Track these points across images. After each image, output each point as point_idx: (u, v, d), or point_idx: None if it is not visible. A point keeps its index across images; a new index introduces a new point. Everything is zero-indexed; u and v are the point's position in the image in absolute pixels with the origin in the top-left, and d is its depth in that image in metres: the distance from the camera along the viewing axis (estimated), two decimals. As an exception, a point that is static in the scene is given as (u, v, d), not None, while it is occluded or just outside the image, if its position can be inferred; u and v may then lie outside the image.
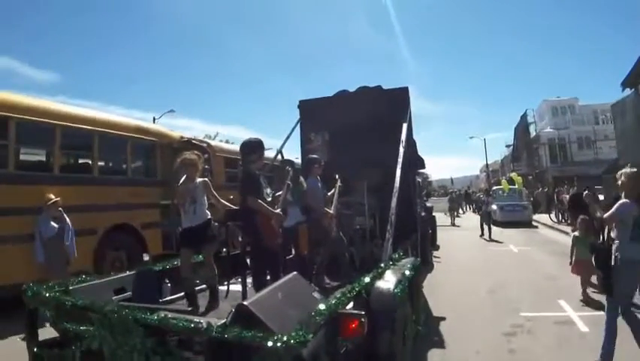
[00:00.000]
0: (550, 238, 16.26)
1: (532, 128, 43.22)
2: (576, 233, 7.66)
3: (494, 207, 20.67)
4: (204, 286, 4.69)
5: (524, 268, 10.21)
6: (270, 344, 2.13)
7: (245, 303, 2.67)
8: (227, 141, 39.01)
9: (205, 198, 4.55)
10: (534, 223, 21.43)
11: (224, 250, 5.66)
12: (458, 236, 17.76)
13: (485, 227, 16.91)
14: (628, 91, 18.34)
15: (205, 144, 11.31)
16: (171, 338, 2.58)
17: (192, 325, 2.45)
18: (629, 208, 4.28)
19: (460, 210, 27.59)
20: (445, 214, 24.03)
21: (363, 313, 2.88)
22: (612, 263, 4.36)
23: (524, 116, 42.99)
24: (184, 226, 4.50)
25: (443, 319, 6.18)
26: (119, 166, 9.38)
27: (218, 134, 46.31)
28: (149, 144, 9.73)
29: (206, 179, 4.67)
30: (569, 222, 18.56)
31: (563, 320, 6.17)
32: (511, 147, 48.88)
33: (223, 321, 2.57)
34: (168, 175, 9.15)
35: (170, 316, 2.76)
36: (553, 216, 21.73)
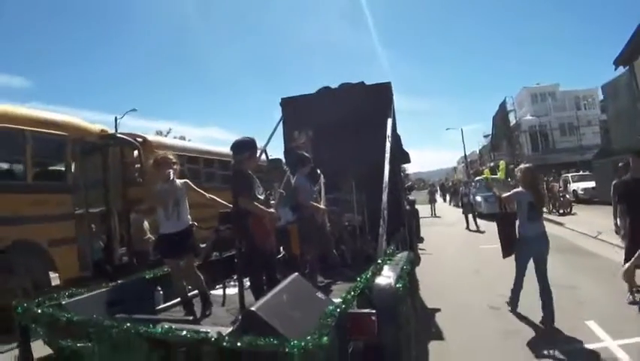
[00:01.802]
0: (549, 232, 14.26)
1: (511, 117, 42.05)
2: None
3: (478, 198, 20.42)
4: (196, 292, 4.52)
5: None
6: (287, 350, 2.06)
7: (252, 309, 2.59)
8: (183, 138, 38.73)
9: (187, 200, 4.36)
10: None
11: (216, 253, 5.59)
12: (444, 234, 16.02)
13: (470, 219, 17.03)
14: (621, 70, 17.74)
15: (140, 139, 10.10)
16: (178, 350, 2.49)
17: (201, 336, 2.35)
18: (522, 195, 5.69)
19: (435, 198, 28.12)
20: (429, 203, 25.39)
21: (374, 311, 2.84)
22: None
23: (503, 104, 41.56)
24: (166, 232, 4.28)
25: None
26: (15, 169, 7.51)
27: (171, 130, 45.11)
28: (57, 140, 7.75)
29: (187, 180, 4.47)
30: (560, 212, 18.61)
31: (600, 351, 4.63)
32: (490, 136, 47.86)
33: (231, 329, 2.49)
34: (84, 178, 8.26)
35: (174, 327, 2.65)
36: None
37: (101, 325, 2.72)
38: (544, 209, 19.42)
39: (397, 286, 3.50)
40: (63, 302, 3.49)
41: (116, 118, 33.64)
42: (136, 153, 9.54)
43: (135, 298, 3.96)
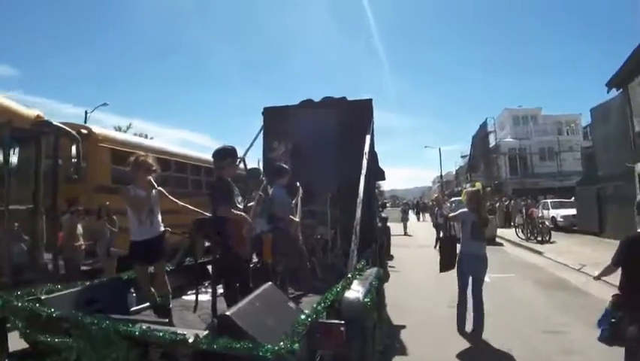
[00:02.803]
0: (527, 261, 13.70)
1: (491, 138, 41.87)
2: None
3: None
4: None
5: (507, 312, 7.11)
6: (260, 354, 2.20)
7: (228, 313, 2.73)
8: (145, 136, 35.71)
9: (159, 208, 4.28)
10: (498, 240, 18.79)
11: (189, 259, 5.65)
12: (414, 256, 14.46)
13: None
14: (613, 93, 17.02)
15: (85, 131, 9.38)
16: (155, 350, 2.61)
17: (179, 337, 2.48)
18: (467, 215, 6.15)
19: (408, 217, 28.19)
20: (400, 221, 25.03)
21: (342, 322, 3.00)
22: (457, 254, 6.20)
23: (484, 125, 41.59)
24: (137, 239, 4.16)
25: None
26: None
27: (131, 126, 41.24)
28: None
29: (161, 188, 4.33)
30: (539, 239, 17.29)
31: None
32: (468, 157, 47.56)
33: (206, 333, 2.62)
34: (9, 169, 7.30)
35: (152, 328, 2.76)
36: (520, 232, 19.65)
37: (81, 321, 2.82)
38: (522, 235, 18.83)
39: (365, 300, 3.67)
40: (42, 297, 3.54)
41: (86, 112, 32.17)
42: (75, 145, 8.49)
43: (110, 298, 4.02)
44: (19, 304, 3.25)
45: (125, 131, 35.86)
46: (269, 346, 2.25)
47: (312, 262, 6.41)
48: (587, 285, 8.92)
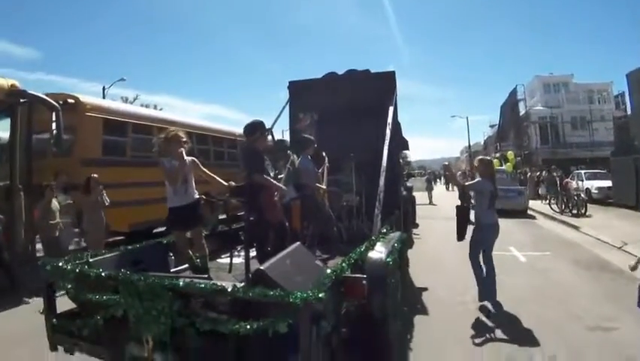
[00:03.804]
0: (563, 237, 12.44)
1: (521, 106, 39.99)
2: None
3: None
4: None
5: (545, 301, 6.27)
6: (291, 300, 2.48)
7: (261, 268, 3.02)
8: (147, 106, 33.57)
9: (193, 176, 4.60)
10: (530, 212, 18.46)
11: (220, 226, 6.00)
12: (439, 230, 12.76)
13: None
14: None
15: (72, 100, 8.93)
16: (196, 300, 2.92)
17: (218, 287, 2.77)
18: (484, 185, 6.09)
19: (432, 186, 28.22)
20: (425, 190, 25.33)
21: (364, 276, 3.27)
22: (474, 224, 6.20)
23: (513, 93, 39.63)
24: (173, 205, 4.52)
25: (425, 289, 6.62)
26: None
27: (138, 97, 38.71)
28: None
29: (194, 158, 4.65)
30: (574, 212, 16.34)
31: None
32: (496, 126, 45.92)
33: (242, 284, 2.91)
34: None
35: (194, 281, 3.08)
36: (555, 205, 18.66)
37: (128, 277, 3.13)
38: (556, 208, 18.07)
39: (387, 259, 3.92)
40: (91, 260, 3.88)
41: (104, 88, 31.55)
42: (55, 115, 7.89)
43: (152, 260, 4.34)
44: (69, 267, 3.55)
45: (132, 103, 34.24)
46: (298, 293, 2.52)
47: (339, 227, 6.69)
48: (628, 266, 7.56)
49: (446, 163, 7.05)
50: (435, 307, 5.92)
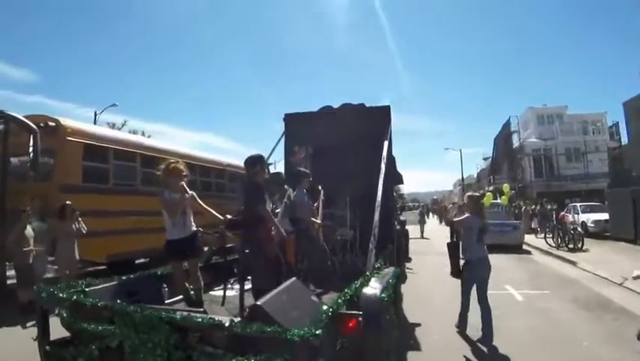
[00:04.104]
0: (560, 273, 11.96)
1: (515, 138, 39.23)
2: None
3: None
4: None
5: (545, 345, 5.90)
6: (288, 336, 2.51)
7: (259, 303, 3.05)
8: (143, 134, 32.76)
9: (191, 210, 4.64)
10: (525, 247, 17.85)
11: (215, 257, 6.01)
12: (432, 265, 12.91)
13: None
14: None
15: (52, 123, 8.64)
16: (193, 334, 2.94)
17: (216, 322, 2.79)
18: (472, 221, 6.18)
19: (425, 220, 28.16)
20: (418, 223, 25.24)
21: (360, 313, 3.30)
22: (462, 260, 6.33)
23: (507, 125, 38.98)
24: (172, 238, 4.56)
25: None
26: None
27: (126, 123, 37.84)
28: None
29: (193, 193, 4.66)
30: (570, 247, 15.88)
31: None
32: (490, 159, 45.26)
33: (239, 319, 2.94)
34: None
35: (191, 314, 3.10)
36: (550, 239, 17.94)
37: (125, 309, 3.15)
38: (552, 243, 17.24)
39: (382, 295, 3.95)
40: (87, 289, 3.89)
41: (95, 113, 31.26)
42: (32, 137, 7.83)
43: (147, 291, 4.37)
44: (65, 295, 3.58)
45: (120, 129, 33.82)
46: (296, 330, 2.55)
47: (333, 261, 6.72)
48: (633, 305, 7.86)
49: (435, 198, 7.10)
50: (428, 344, 5.89)
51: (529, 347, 5.78)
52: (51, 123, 8.62)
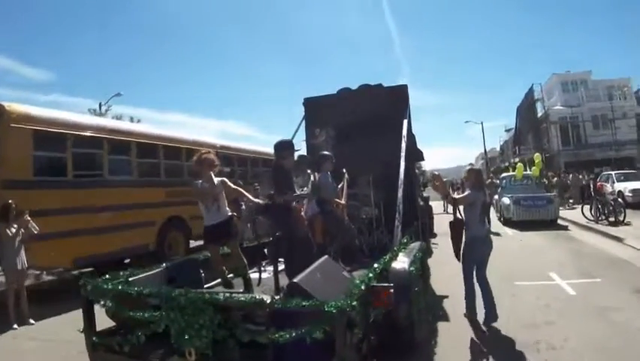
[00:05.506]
0: (608, 253, 9.87)
1: (539, 107, 36.64)
2: None
3: (506, 200, 16.60)
4: (232, 275, 5.08)
5: None
6: (326, 309, 2.69)
7: (295, 280, 3.23)
8: (132, 120, 30.33)
9: (224, 195, 4.87)
10: (560, 222, 15.95)
11: (246, 242, 6.23)
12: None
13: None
14: None
15: None
16: (236, 313, 3.14)
17: (257, 300, 2.99)
18: (476, 196, 5.74)
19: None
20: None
21: (392, 285, 3.47)
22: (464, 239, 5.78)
23: (530, 93, 36.38)
24: (208, 223, 4.81)
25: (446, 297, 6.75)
26: None
27: (110, 109, 31.81)
28: None
29: (224, 178, 4.89)
30: (611, 220, 14.12)
31: None
32: (513, 130, 43.18)
33: (279, 296, 3.13)
34: None
35: (233, 294, 3.30)
36: (588, 212, 15.64)
37: (171, 293, 3.35)
38: (590, 216, 15.38)
39: (410, 268, 4.13)
40: (130, 279, 4.10)
41: (100, 104, 28.73)
42: None
43: (187, 277, 4.58)
44: (110, 286, 3.78)
45: (105, 113, 29.43)
46: (333, 302, 2.73)
47: (360, 239, 6.88)
48: None
49: (436, 173, 6.60)
50: (457, 315, 6.02)
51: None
52: None
